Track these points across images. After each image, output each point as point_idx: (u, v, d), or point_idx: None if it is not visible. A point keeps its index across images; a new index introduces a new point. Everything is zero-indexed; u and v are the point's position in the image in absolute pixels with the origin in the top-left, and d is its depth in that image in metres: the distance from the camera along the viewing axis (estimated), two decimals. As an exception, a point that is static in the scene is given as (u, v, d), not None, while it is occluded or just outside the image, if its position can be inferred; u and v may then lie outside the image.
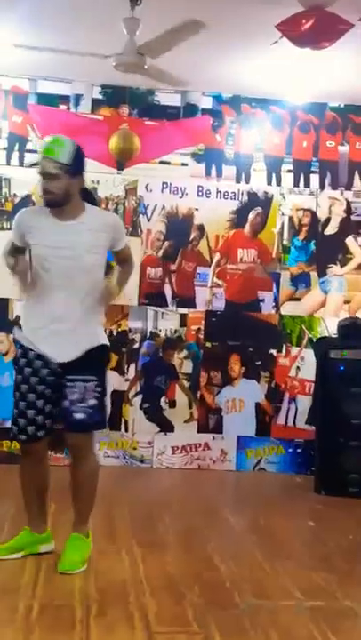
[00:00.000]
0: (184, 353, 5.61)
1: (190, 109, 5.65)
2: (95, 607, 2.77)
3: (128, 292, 5.44)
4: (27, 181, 5.44)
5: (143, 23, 4.06)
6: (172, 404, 5.57)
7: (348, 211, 5.74)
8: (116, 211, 5.54)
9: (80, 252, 3.14)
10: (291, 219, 5.72)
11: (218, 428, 5.61)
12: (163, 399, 5.57)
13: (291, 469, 5.60)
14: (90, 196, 3.42)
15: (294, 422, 5.66)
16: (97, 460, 3.42)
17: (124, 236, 3.41)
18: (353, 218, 5.75)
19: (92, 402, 3.15)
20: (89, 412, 3.14)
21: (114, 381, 5.49)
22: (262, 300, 5.68)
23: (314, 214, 5.73)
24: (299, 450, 5.62)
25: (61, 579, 3.06)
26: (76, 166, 3.16)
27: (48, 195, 3.16)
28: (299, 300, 5.71)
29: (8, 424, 5.31)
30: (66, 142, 3.18)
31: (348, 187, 5.74)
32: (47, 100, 5.51)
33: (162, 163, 5.58)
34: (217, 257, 5.65)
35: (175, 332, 5.60)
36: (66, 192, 3.14)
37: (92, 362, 3.19)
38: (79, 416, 3.14)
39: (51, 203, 3.18)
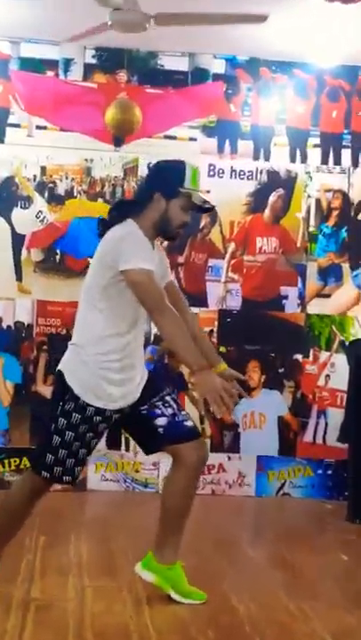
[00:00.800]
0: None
1: (200, 75, 5.67)
2: (92, 655, 2.79)
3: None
4: (8, 160, 5.50)
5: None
6: (181, 418, 5.58)
7: (385, 192, 5.76)
8: (113, 194, 5.57)
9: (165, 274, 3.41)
10: (318, 202, 5.74)
11: (234, 447, 5.63)
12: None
13: (320, 494, 5.61)
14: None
15: (324, 439, 5.67)
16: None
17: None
18: (391, 200, 5.77)
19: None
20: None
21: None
22: (286, 297, 5.70)
23: (346, 196, 5.75)
24: (329, 472, 5.62)
25: (53, 621, 3.07)
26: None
27: (183, 230, 3.37)
28: (329, 296, 5.73)
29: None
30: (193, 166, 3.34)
31: (386, 163, 5.77)
32: (32, 65, 5.53)
33: (167, 137, 5.60)
34: (232, 247, 5.67)
35: (184, 334, 5.60)
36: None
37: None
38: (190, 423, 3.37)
39: (175, 238, 3.45)
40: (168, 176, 3.25)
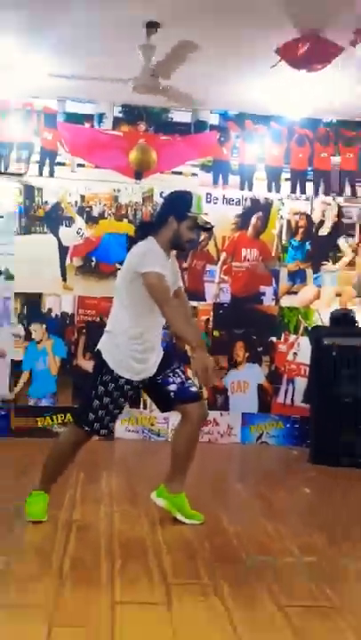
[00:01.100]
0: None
1: (200, 125, 5.61)
2: (119, 563, 2.79)
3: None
4: (56, 191, 5.47)
5: (158, 50, 4.04)
6: (185, 385, 5.57)
7: (340, 214, 5.70)
8: (134, 215, 5.54)
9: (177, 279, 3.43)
10: (288, 222, 5.69)
11: (225, 406, 5.61)
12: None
13: (289, 442, 5.60)
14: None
15: (292, 401, 5.65)
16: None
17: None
18: (344, 221, 5.71)
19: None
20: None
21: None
22: (263, 294, 5.66)
23: (309, 218, 5.70)
24: (296, 425, 5.61)
25: (90, 537, 3.08)
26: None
27: (193, 244, 3.41)
28: (296, 293, 5.69)
29: (42, 403, 5.42)
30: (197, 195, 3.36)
31: (340, 193, 5.71)
32: (74, 118, 5.49)
33: (175, 173, 5.55)
34: (223, 256, 5.63)
35: (187, 322, 5.58)
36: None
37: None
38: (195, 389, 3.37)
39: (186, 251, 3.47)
40: (178, 203, 3.26)
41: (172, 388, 3.29)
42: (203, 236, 5.51)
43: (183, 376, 3.34)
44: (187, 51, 3.86)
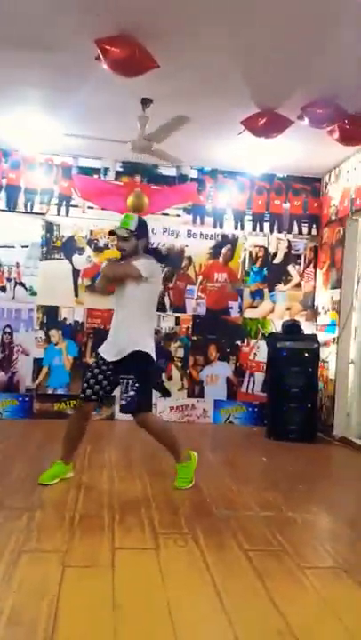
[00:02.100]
0: (178, 343, 5.60)
1: (182, 178, 5.63)
2: (118, 516, 2.76)
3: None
4: (70, 226, 5.45)
5: (151, 119, 4.05)
6: (170, 378, 5.56)
7: (290, 247, 5.74)
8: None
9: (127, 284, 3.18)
10: (250, 253, 5.71)
11: (201, 394, 5.59)
12: (163, 375, 5.55)
13: (250, 422, 5.60)
14: (158, 253, 3.46)
15: (253, 390, 5.65)
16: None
17: (143, 268, 3.15)
18: (292, 252, 5.74)
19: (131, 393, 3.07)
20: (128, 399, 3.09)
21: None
22: (231, 308, 5.67)
23: (266, 250, 5.73)
24: (255, 409, 5.60)
25: (95, 496, 3.05)
26: (140, 231, 3.18)
27: (122, 251, 3.19)
28: (256, 307, 5.70)
29: (58, 391, 5.37)
30: (133, 216, 3.22)
31: (290, 231, 5.75)
32: (85, 171, 5.48)
33: (163, 214, 5.56)
34: (200, 278, 5.63)
35: (172, 328, 5.58)
36: (133, 250, 3.16)
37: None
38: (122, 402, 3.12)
39: (124, 256, 3.19)
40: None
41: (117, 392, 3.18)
42: (185, 262, 5.50)
43: (123, 387, 3.10)
44: (180, 123, 3.85)
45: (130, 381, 3.07)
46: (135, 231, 3.15)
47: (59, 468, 3.25)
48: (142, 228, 3.21)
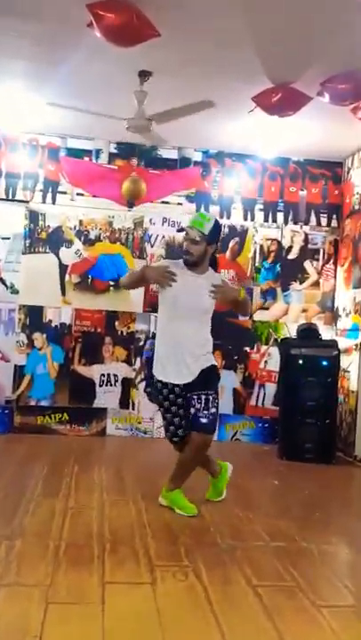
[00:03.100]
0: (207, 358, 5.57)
1: (185, 161, 5.64)
2: (109, 546, 2.76)
3: (136, 302, 5.47)
4: (57, 216, 5.46)
5: (150, 94, 4.07)
6: (169, 388, 5.55)
7: (306, 241, 5.75)
8: (126, 239, 5.54)
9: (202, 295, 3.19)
10: (261, 246, 5.72)
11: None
12: (161, 385, 5.54)
13: (259, 440, 5.59)
14: (214, 262, 3.42)
15: (263, 403, 5.65)
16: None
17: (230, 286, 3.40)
18: (309, 246, 5.75)
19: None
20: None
21: (124, 371, 5.49)
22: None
23: (279, 243, 5.74)
24: (266, 425, 5.60)
25: (83, 522, 3.05)
26: (212, 237, 3.20)
27: (188, 255, 3.19)
28: (267, 309, 5.70)
29: (42, 403, 5.37)
30: (210, 218, 3.26)
31: (306, 222, 5.76)
32: (74, 153, 5.50)
33: (162, 202, 5.57)
34: (204, 275, 5.63)
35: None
36: (201, 256, 3.19)
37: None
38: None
39: (189, 262, 3.20)
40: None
41: (192, 411, 3.17)
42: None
43: (202, 404, 3.17)
44: (203, 108, 3.83)
45: (211, 397, 3.17)
46: (207, 235, 3.18)
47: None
48: (216, 234, 3.28)
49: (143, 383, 5.51)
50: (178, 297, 3.18)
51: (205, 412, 3.13)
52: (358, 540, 3.15)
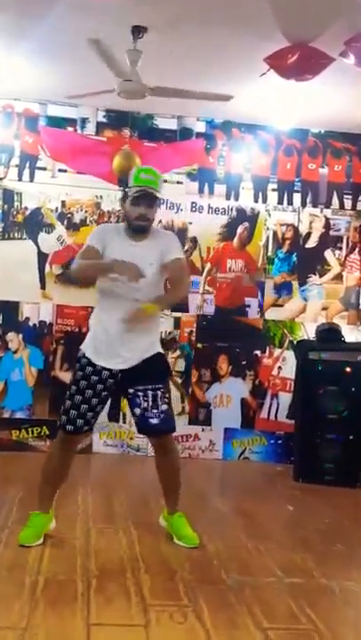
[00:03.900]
0: (177, 352, 5.61)
1: (185, 133, 5.65)
2: (95, 582, 2.77)
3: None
4: (36, 195, 5.46)
5: (145, 53, 4.06)
6: (166, 398, 5.55)
7: (327, 226, 5.75)
8: (117, 222, 5.52)
9: (144, 265, 3.08)
10: (275, 233, 5.73)
11: (207, 421, 5.60)
12: (157, 394, 5.55)
13: (272, 459, 5.60)
14: None
15: (276, 416, 5.66)
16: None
17: (176, 250, 3.27)
18: (331, 233, 5.76)
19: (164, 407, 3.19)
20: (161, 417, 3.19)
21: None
22: (248, 306, 5.68)
23: (296, 229, 5.74)
24: (279, 441, 5.61)
25: (65, 554, 3.05)
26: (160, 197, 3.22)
27: (145, 222, 3.16)
28: (281, 306, 5.71)
29: (17, 415, 5.37)
30: (160, 175, 3.24)
31: (327, 205, 5.76)
32: (56, 122, 5.50)
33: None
34: (208, 266, 5.65)
35: (170, 333, 5.59)
36: (152, 220, 3.22)
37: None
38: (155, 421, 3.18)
39: (144, 228, 3.18)
40: (125, 185, 3.25)
41: (137, 412, 3.17)
42: (187, 245, 5.52)
43: (150, 401, 3.16)
44: (218, 98, 3.86)
45: (159, 392, 3.17)
46: (160, 196, 3.22)
47: (39, 521, 3.25)
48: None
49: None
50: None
51: (154, 410, 3.15)
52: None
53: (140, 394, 3.16)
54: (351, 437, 4.96)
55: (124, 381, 3.18)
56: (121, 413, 5.47)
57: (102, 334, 3.18)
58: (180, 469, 3.36)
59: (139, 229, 3.18)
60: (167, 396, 3.21)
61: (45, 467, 3.31)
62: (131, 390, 3.18)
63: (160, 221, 5.54)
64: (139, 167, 3.24)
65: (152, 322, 3.23)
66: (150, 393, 3.15)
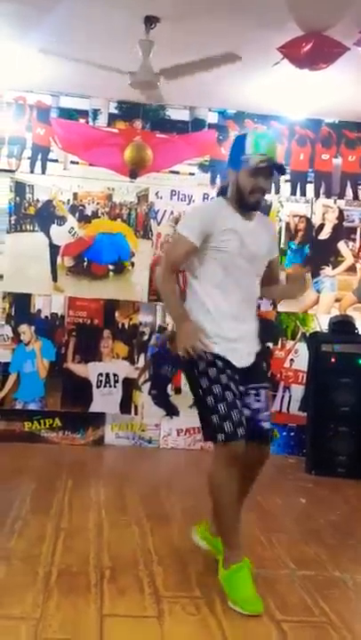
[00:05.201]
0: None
1: (198, 124, 5.63)
2: (108, 573, 2.78)
3: (140, 290, 5.48)
4: (48, 187, 5.47)
5: (158, 44, 4.05)
6: (178, 390, 5.56)
7: (341, 218, 5.72)
8: (129, 215, 5.54)
9: (265, 253, 2.81)
10: (288, 224, 5.70)
11: (219, 413, 5.59)
12: (169, 386, 5.56)
13: (284, 451, 5.59)
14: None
15: (288, 409, 5.65)
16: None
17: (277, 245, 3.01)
18: (345, 224, 5.73)
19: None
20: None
21: (125, 370, 5.50)
22: (261, 298, 5.64)
23: (309, 220, 5.72)
24: (292, 433, 5.61)
25: (78, 546, 3.06)
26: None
27: (262, 194, 2.74)
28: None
29: (30, 407, 5.39)
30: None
31: (341, 196, 5.73)
32: (67, 113, 5.50)
33: (171, 172, 5.56)
34: (220, 258, 5.61)
35: (181, 325, 5.57)
36: None
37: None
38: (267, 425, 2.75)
39: (259, 204, 2.76)
40: (232, 151, 2.78)
41: (246, 413, 2.68)
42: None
43: (262, 402, 2.74)
44: (227, 61, 3.79)
45: (267, 391, 2.80)
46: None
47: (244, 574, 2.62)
48: None
49: (148, 384, 5.54)
50: (235, 256, 2.71)
51: (266, 412, 2.75)
52: None
53: (251, 392, 2.73)
54: (364, 430, 4.95)
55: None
56: (133, 405, 5.49)
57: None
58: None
59: (254, 205, 2.74)
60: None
61: (219, 501, 2.71)
62: (241, 388, 2.71)
63: (172, 213, 5.54)
64: (256, 133, 2.79)
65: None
66: (263, 392, 2.76)
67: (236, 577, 2.60)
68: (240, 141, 2.74)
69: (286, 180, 5.68)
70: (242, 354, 2.72)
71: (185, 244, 2.72)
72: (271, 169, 2.70)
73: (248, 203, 2.72)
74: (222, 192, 2.84)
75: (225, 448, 2.62)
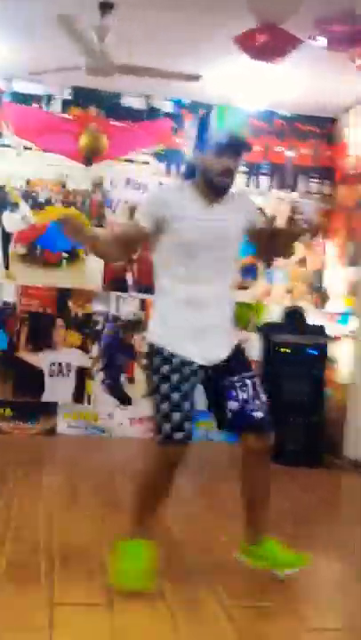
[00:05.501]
0: (143, 334, 5.59)
1: (153, 112, 5.60)
2: (58, 562, 2.75)
3: (93, 278, 5.44)
4: (0, 174, 5.36)
5: (114, 30, 4.01)
6: (131, 380, 5.56)
7: (293, 210, 5.78)
8: (83, 202, 5.49)
9: (235, 234, 2.62)
10: (241, 215, 5.72)
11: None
12: (123, 376, 5.55)
13: (235, 439, 5.61)
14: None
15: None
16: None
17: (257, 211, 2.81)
18: (297, 216, 5.79)
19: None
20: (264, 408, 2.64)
21: (79, 359, 5.46)
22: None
23: (263, 212, 5.74)
24: (243, 423, 5.64)
25: (27, 536, 3.03)
26: None
27: (230, 178, 2.53)
28: (247, 288, 5.72)
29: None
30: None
31: (294, 188, 5.78)
32: (21, 98, 5.41)
33: (126, 160, 5.53)
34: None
35: (135, 315, 5.57)
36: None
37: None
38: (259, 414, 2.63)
39: (227, 186, 2.54)
40: (197, 132, 2.56)
41: (233, 406, 2.63)
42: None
43: (249, 391, 2.63)
44: (186, 79, 3.76)
45: (256, 381, 2.66)
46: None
47: (140, 550, 2.59)
48: None
49: (101, 374, 5.51)
50: (194, 244, 2.53)
51: (256, 400, 2.62)
52: (349, 554, 3.21)
53: (236, 384, 2.63)
54: (315, 419, 5.03)
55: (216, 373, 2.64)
56: (86, 395, 5.46)
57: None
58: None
59: (222, 188, 2.54)
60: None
61: (145, 486, 2.68)
62: (225, 382, 2.63)
63: (127, 202, 5.51)
64: (220, 106, 2.58)
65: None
66: (249, 382, 2.63)
67: (132, 549, 2.57)
68: (201, 122, 2.55)
69: (242, 172, 5.70)
70: (210, 346, 2.58)
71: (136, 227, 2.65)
72: (237, 146, 2.51)
73: (215, 184, 2.52)
74: (186, 176, 2.66)
75: (161, 449, 2.59)
